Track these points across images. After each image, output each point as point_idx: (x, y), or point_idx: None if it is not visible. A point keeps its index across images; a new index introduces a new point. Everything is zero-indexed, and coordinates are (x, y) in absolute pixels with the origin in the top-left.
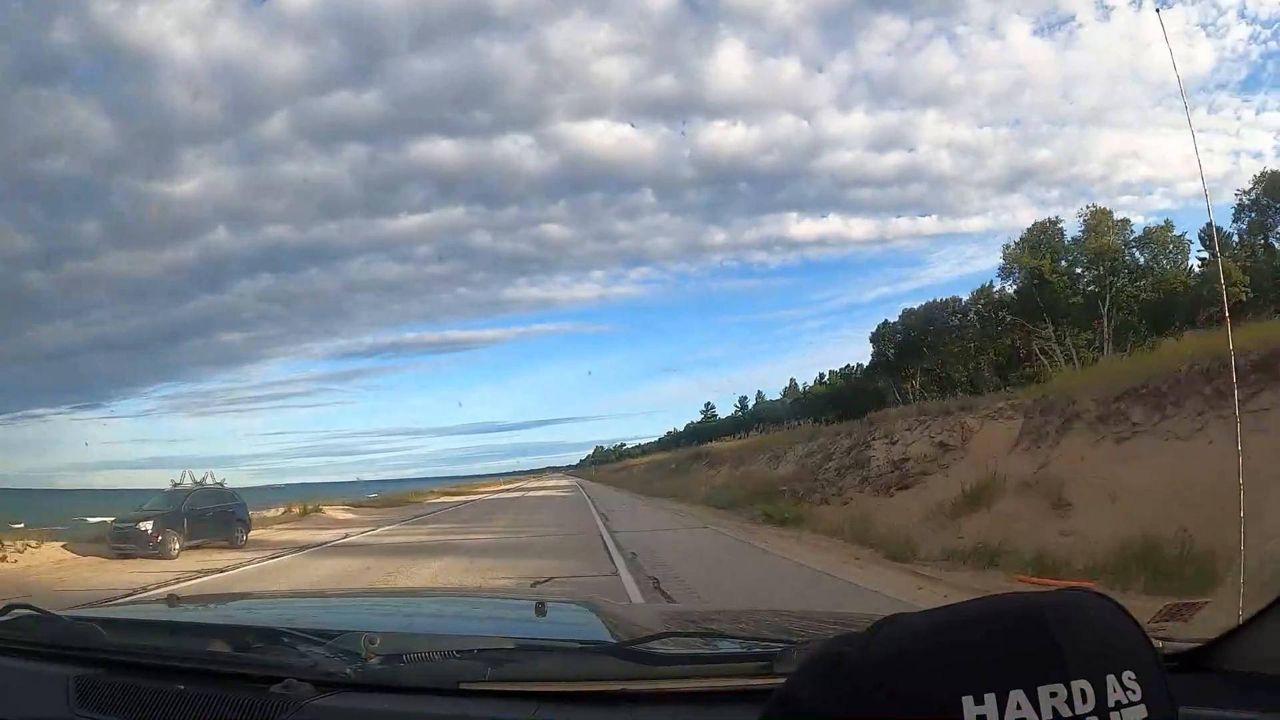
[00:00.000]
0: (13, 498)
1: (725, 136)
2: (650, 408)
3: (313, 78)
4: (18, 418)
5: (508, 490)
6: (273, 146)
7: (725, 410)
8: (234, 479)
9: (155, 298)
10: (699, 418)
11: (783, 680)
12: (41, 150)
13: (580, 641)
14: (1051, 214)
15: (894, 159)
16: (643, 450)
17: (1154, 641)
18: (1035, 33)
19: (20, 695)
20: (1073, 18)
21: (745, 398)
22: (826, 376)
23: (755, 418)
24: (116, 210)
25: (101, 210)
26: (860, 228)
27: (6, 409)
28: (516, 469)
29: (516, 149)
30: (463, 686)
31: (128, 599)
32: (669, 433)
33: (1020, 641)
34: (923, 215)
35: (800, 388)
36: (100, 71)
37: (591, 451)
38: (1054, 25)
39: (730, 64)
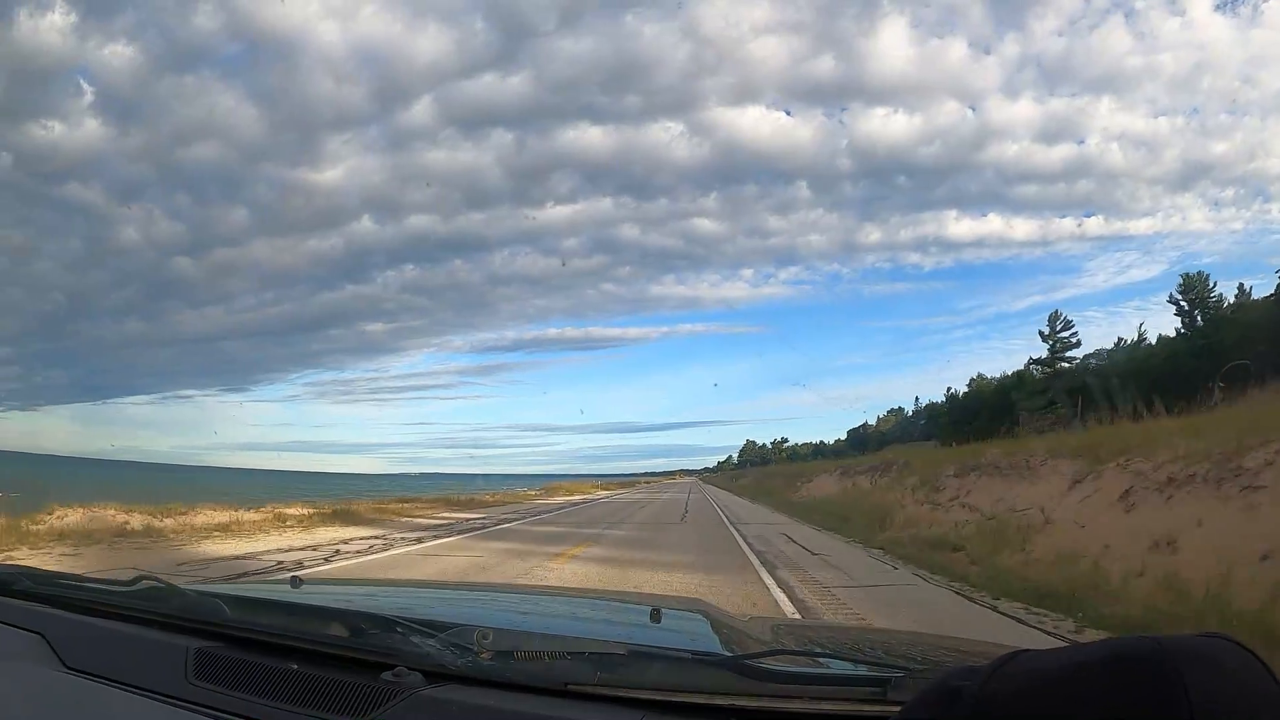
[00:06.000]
0: (166, 473)
1: (885, 125)
2: (790, 414)
3: (458, 61)
4: (168, 398)
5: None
6: (418, 133)
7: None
8: (372, 465)
9: (300, 286)
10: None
11: (895, 709)
12: (188, 138)
13: (692, 651)
14: (1224, 215)
15: (1062, 151)
16: (819, 451)
17: None
18: (1217, 8)
19: (141, 662)
20: None
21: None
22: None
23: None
24: (262, 198)
25: (247, 198)
26: (1022, 228)
27: (158, 389)
28: (651, 470)
29: (667, 137)
30: (570, 688)
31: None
32: (865, 425)
33: (1151, 691)
34: (1088, 215)
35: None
36: (245, 58)
37: (737, 452)
38: None
39: (893, 44)
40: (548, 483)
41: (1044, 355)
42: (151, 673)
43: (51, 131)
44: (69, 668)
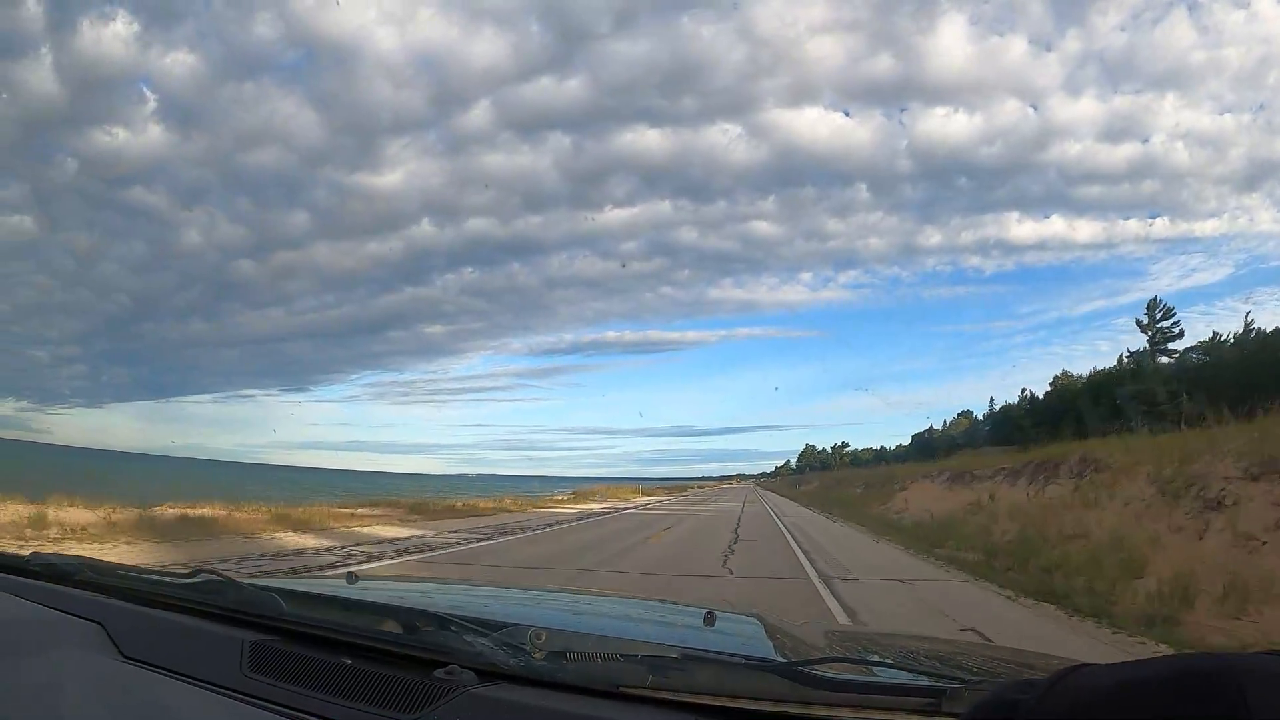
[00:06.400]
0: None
1: (945, 125)
2: (848, 419)
3: (514, 64)
4: (230, 397)
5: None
6: (475, 137)
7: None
8: (430, 466)
9: (360, 288)
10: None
11: None
12: (249, 144)
13: (745, 656)
14: None
15: (1126, 151)
16: (880, 456)
17: None
18: None
19: (197, 653)
20: None
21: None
22: None
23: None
24: (322, 202)
25: (308, 202)
26: (1085, 230)
27: (220, 388)
28: (706, 475)
29: (725, 139)
30: (622, 690)
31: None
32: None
33: (1213, 709)
34: (1153, 217)
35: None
36: (303, 65)
37: (795, 457)
38: None
39: (952, 41)
40: (586, 486)
41: (1142, 348)
42: (207, 664)
43: (116, 138)
44: (126, 657)
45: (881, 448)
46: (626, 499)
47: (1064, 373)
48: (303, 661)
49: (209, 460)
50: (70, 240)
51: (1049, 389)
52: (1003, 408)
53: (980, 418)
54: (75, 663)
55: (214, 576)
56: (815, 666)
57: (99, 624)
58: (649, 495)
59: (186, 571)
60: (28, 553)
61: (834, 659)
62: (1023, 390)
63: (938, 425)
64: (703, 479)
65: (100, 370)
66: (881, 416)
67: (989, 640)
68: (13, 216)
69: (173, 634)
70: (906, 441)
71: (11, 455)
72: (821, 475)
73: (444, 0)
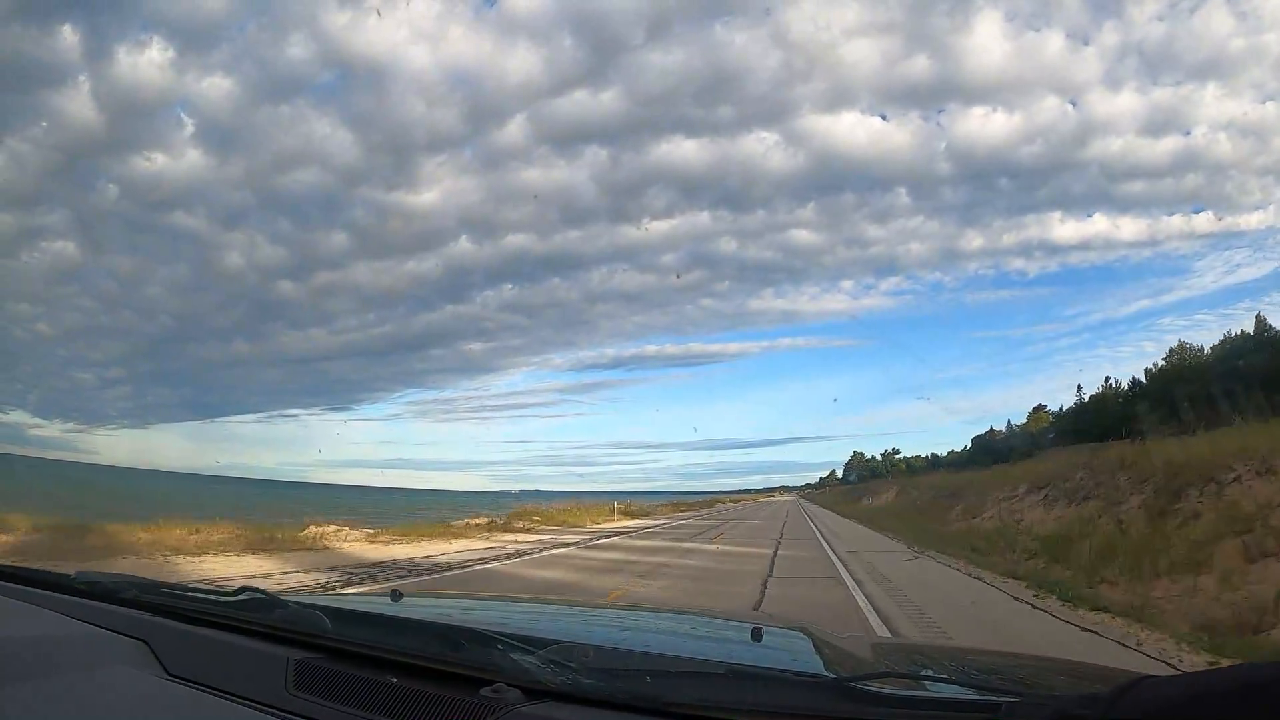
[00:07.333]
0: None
1: (984, 125)
2: (892, 428)
3: (548, 78)
4: (274, 416)
5: None
6: (512, 152)
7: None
8: (475, 482)
9: (401, 307)
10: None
11: None
12: (287, 165)
13: (794, 672)
14: None
15: (1168, 144)
16: (934, 463)
17: None
18: None
19: (242, 671)
20: None
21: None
22: None
23: None
24: (360, 222)
25: (346, 222)
26: (1129, 228)
27: (264, 408)
28: (749, 487)
29: (762, 147)
30: (670, 708)
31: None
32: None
33: None
34: (1197, 211)
35: None
36: (338, 85)
37: (841, 467)
38: None
39: (988, 39)
40: (530, 504)
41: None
42: (252, 682)
43: (155, 163)
44: (171, 675)
45: (933, 454)
46: (575, 526)
47: (1180, 343)
48: (348, 680)
49: (252, 479)
50: (113, 264)
51: (1163, 366)
52: (1093, 398)
53: (1057, 413)
54: (120, 680)
55: (258, 594)
56: (866, 682)
57: (144, 641)
58: (632, 518)
59: (230, 589)
60: (73, 571)
61: (885, 674)
62: (1106, 379)
63: (991, 429)
64: (745, 491)
65: (145, 391)
66: (929, 424)
67: None
68: (56, 242)
69: (217, 652)
70: (959, 447)
71: (79, 478)
72: (898, 484)
73: (476, 16)
